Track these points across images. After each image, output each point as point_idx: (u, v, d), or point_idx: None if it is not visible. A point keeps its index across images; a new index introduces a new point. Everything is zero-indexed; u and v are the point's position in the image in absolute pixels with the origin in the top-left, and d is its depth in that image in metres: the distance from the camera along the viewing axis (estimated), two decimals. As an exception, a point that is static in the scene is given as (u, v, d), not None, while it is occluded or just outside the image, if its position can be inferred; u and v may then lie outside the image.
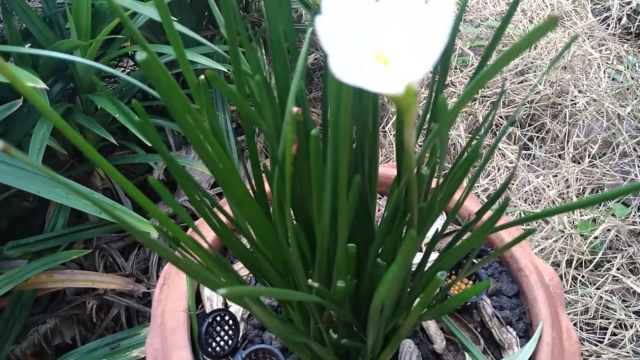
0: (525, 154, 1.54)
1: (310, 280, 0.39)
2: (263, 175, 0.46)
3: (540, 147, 1.55)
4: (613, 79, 1.69)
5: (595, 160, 1.47)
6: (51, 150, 1.06)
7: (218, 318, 0.59)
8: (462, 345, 0.62)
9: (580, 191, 1.40)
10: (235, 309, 0.67)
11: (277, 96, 0.43)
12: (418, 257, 0.55)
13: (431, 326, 0.63)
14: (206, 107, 0.40)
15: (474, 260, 0.68)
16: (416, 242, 0.30)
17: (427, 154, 0.40)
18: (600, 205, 1.35)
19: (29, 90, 0.24)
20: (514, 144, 1.57)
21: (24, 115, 0.99)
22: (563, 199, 1.40)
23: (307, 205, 0.45)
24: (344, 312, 0.48)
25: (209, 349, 0.57)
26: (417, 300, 0.57)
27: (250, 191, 0.48)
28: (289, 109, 0.33)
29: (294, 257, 0.38)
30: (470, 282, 0.66)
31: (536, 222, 1.30)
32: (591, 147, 1.51)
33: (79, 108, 1.14)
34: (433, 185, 0.44)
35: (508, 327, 0.65)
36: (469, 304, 0.64)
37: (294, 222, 0.41)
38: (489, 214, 0.45)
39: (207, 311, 0.64)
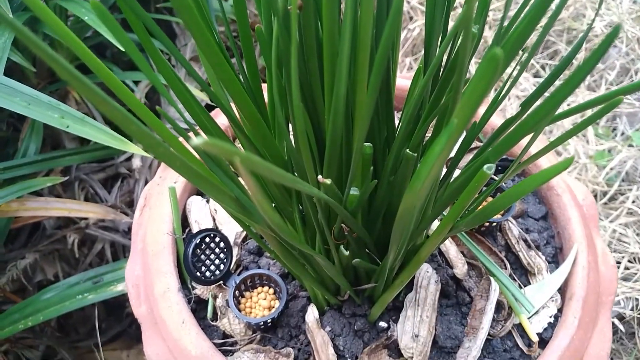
0: (537, 82, 1.44)
1: (320, 177, 0.30)
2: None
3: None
4: (634, 2, 1.57)
5: (612, 87, 1.37)
6: (18, 68, 0.95)
7: (207, 239, 0.51)
8: (486, 269, 0.54)
9: (597, 120, 1.31)
10: (228, 231, 0.58)
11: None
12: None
13: (451, 249, 0.55)
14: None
15: (493, 177, 0.59)
16: (468, 113, 0.21)
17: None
18: (617, 135, 1.27)
19: None
20: (527, 72, 1.47)
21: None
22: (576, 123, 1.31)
23: (313, 93, 0.36)
24: (357, 226, 0.39)
25: (198, 274, 0.50)
26: (445, 212, 0.49)
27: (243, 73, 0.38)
28: None
29: (301, 141, 0.29)
30: (496, 200, 0.58)
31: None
32: (608, 74, 1.41)
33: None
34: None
35: (537, 250, 0.57)
36: (494, 224, 0.56)
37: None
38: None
39: (195, 234, 0.56)
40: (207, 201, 0.62)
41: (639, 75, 1.40)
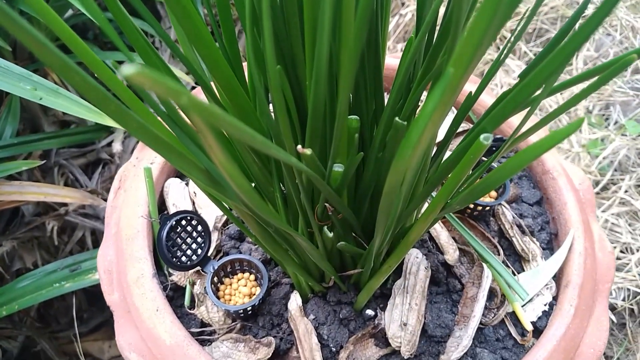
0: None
1: (299, 147, 0.27)
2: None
3: (547, 62, 1.43)
4: (628, -10, 1.55)
5: (606, 76, 1.35)
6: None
7: (184, 222, 0.48)
8: (478, 255, 0.52)
9: (590, 108, 1.30)
10: (208, 215, 0.55)
11: None
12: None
13: (442, 234, 0.52)
14: None
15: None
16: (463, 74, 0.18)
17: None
18: (610, 124, 1.25)
19: None
20: (519, 59, 1.45)
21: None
22: (570, 117, 1.29)
23: (294, 58, 0.33)
24: (341, 205, 0.36)
25: (173, 258, 0.46)
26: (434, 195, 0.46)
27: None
28: None
29: (277, 103, 0.26)
30: (489, 183, 0.55)
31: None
32: (602, 62, 1.39)
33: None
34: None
35: (531, 236, 0.55)
36: (487, 208, 0.53)
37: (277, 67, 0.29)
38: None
39: (172, 218, 0.53)
40: (187, 184, 0.59)
41: (632, 63, 1.38)
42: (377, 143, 0.36)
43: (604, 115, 1.30)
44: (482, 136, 0.26)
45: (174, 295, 0.53)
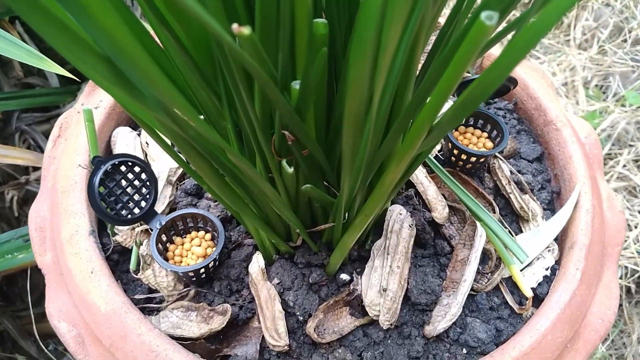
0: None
1: (235, 25, 0.20)
2: None
3: (543, 32, 1.36)
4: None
5: (605, 46, 1.29)
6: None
7: (123, 168, 0.40)
8: (471, 214, 0.45)
9: (589, 79, 1.23)
10: (161, 166, 0.48)
11: None
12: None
13: (429, 189, 0.45)
14: None
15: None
16: None
17: None
18: (609, 95, 1.19)
19: None
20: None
21: None
22: (567, 88, 1.22)
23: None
24: (304, 134, 0.29)
25: (109, 210, 0.39)
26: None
27: None
28: None
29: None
30: (485, 133, 0.49)
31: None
32: (601, 33, 1.32)
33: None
34: None
35: (531, 193, 0.48)
36: (481, 159, 0.46)
37: None
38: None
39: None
40: (139, 134, 0.51)
41: (632, 34, 1.31)
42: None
43: (603, 86, 1.24)
44: (483, 14, 0.19)
45: (120, 259, 0.46)
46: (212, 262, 0.41)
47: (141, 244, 0.44)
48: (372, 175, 0.34)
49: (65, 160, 0.47)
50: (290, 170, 0.30)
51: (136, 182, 0.41)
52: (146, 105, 0.23)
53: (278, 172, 0.32)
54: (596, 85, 1.25)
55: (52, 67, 0.56)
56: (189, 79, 0.31)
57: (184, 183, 0.48)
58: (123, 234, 0.45)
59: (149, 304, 0.43)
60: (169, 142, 0.38)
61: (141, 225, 0.45)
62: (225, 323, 0.39)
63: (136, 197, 0.41)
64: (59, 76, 1.05)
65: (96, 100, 0.51)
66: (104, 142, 0.50)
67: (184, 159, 0.36)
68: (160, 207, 0.46)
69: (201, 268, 0.40)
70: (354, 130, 0.26)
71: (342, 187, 0.32)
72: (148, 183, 0.41)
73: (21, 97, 0.96)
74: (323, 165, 0.34)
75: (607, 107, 1.15)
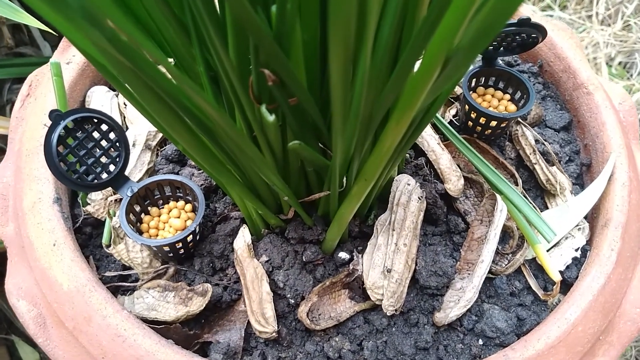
0: (545, 15, 1.28)
1: None
2: None
3: (565, 7, 1.29)
4: None
5: (630, 21, 1.21)
6: None
7: (89, 126, 0.35)
8: (490, 186, 0.39)
9: (612, 56, 1.16)
10: (139, 129, 0.43)
11: None
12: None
13: (442, 158, 0.40)
14: None
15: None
16: None
17: None
18: (634, 73, 1.12)
19: None
20: (533, 4, 1.30)
21: None
22: (589, 65, 1.15)
23: None
24: (289, 73, 0.23)
25: (73, 174, 0.34)
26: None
27: None
28: None
29: None
30: (507, 95, 0.43)
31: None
32: (625, 8, 1.24)
33: None
34: None
35: (559, 165, 0.42)
36: (502, 124, 0.40)
37: None
38: None
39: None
40: (117, 94, 0.46)
41: (660, 9, 1.23)
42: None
43: (627, 63, 1.16)
44: None
45: (93, 233, 0.41)
46: (192, 236, 0.35)
47: (114, 215, 0.39)
48: (374, 131, 0.28)
49: (33, 121, 0.42)
50: (271, 118, 0.24)
51: (103, 143, 0.36)
52: (95, 26, 0.18)
53: (258, 124, 0.27)
54: (620, 63, 1.18)
55: (27, 20, 0.51)
56: (152, 11, 0.26)
57: (164, 149, 0.43)
58: (95, 204, 0.40)
59: (124, 282, 0.38)
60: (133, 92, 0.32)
61: (115, 194, 0.40)
62: (204, 305, 0.34)
63: (104, 159, 0.36)
64: (52, 46, 1.00)
65: (69, 55, 0.45)
66: (77, 102, 0.44)
67: (156, 118, 0.31)
68: (137, 174, 0.41)
69: (178, 242, 0.34)
70: (342, 64, 0.20)
71: (334, 145, 0.27)
72: (117, 144, 0.36)
73: (11, 65, 0.92)
74: (317, 120, 0.28)
75: (632, 86, 1.08)
